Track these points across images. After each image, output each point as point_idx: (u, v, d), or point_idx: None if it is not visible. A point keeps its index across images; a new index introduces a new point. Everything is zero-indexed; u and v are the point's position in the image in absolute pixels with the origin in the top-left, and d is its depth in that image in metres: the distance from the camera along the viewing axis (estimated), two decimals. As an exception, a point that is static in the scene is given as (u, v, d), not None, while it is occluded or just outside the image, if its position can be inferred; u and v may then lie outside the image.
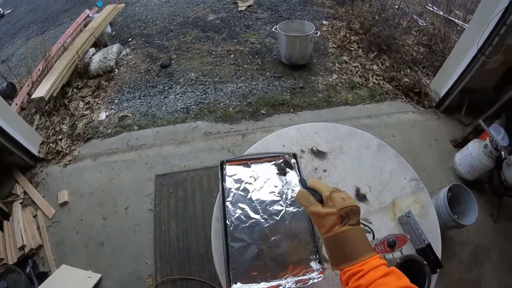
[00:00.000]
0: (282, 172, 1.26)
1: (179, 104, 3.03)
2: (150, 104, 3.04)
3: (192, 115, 2.94)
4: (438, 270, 1.21)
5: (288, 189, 1.22)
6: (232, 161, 1.27)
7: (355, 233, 0.76)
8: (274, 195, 1.20)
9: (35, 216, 2.28)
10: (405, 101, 3.31)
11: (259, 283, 1.01)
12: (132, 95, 3.13)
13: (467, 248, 2.52)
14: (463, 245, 2.53)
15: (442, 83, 3.23)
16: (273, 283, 1.01)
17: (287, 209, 1.17)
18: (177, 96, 3.12)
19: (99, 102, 3.14)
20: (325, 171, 1.38)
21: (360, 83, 3.42)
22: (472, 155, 2.67)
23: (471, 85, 3.02)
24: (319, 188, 0.84)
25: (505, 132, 2.67)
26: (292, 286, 1.00)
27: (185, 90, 3.18)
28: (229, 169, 1.25)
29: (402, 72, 3.59)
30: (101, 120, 2.93)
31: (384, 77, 3.50)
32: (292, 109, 3.05)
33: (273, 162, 1.29)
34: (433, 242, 1.28)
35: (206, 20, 4.20)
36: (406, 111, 3.20)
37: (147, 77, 3.33)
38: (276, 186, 1.22)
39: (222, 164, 1.25)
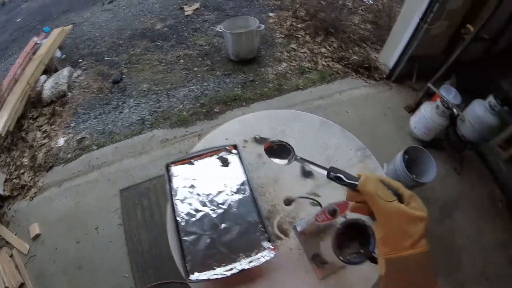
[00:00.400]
0: (224, 163, 1.30)
1: (134, 117, 3.02)
2: (106, 122, 3.02)
3: (148, 125, 2.94)
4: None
5: (231, 178, 1.26)
6: (176, 162, 1.30)
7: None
8: (219, 186, 1.24)
9: (11, 256, 2.23)
10: (355, 78, 3.40)
11: (214, 269, 1.05)
12: (87, 116, 3.10)
13: (434, 204, 2.63)
14: (430, 202, 2.63)
15: (389, 55, 3.33)
16: (228, 267, 1.05)
17: (232, 197, 1.22)
18: (131, 109, 3.10)
19: (55, 128, 3.07)
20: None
21: (310, 67, 3.48)
22: (425, 117, 2.78)
23: (418, 52, 3.13)
24: (388, 181, 0.65)
25: (456, 91, 2.77)
26: (246, 267, 1.04)
27: (138, 102, 3.16)
28: (175, 170, 1.28)
29: (350, 50, 3.68)
30: (60, 146, 2.88)
31: (333, 58, 3.59)
32: (244, 103, 3.09)
33: (216, 156, 1.33)
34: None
35: (154, 30, 4.16)
36: (358, 87, 3.30)
37: (101, 96, 3.29)
38: (220, 178, 1.26)
39: (167, 167, 1.28)
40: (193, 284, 1.06)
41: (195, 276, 1.03)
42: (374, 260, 0.78)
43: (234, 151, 1.34)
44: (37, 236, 2.30)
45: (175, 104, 3.12)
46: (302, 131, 1.53)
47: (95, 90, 3.37)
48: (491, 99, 2.56)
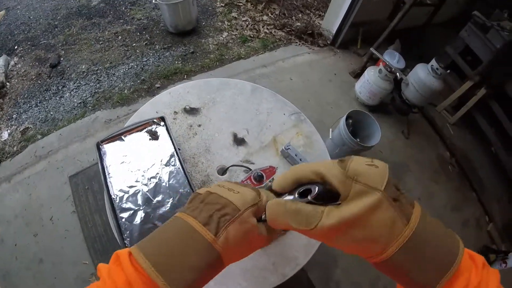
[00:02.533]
0: (153, 137, 1.30)
1: (75, 100, 2.92)
2: (48, 109, 2.90)
3: (90, 107, 2.86)
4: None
5: (161, 151, 1.28)
6: (106, 140, 1.29)
7: (428, 216, 0.42)
8: (150, 160, 1.25)
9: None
10: (299, 44, 3.44)
11: None
12: (28, 105, 2.96)
13: (384, 167, 2.73)
14: (380, 165, 2.72)
15: (332, 21, 3.38)
16: None
17: (163, 169, 1.23)
18: (72, 92, 2.99)
19: (-2, 122, 2.94)
20: (199, 125, 1.43)
21: (252, 35, 3.48)
22: (369, 82, 2.86)
23: (362, 18, 3.20)
24: (309, 171, 0.45)
25: (400, 56, 2.85)
26: None
27: (78, 85, 3.05)
28: (106, 148, 1.27)
29: (293, 17, 3.71)
30: (5, 140, 2.75)
31: (275, 25, 3.59)
32: (185, 75, 3.06)
33: (145, 130, 1.33)
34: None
35: (90, 7, 3.94)
36: (302, 53, 3.34)
37: (39, 82, 3.14)
38: (150, 151, 1.27)
39: (98, 145, 1.27)
40: None
41: None
42: None
43: (162, 123, 1.34)
44: (-4, 237, 2.23)
45: (115, 83, 3.04)
46: (233, 98, 1.56)
47: (33, 77, 3.20)
48: (433, 62, 2.66)
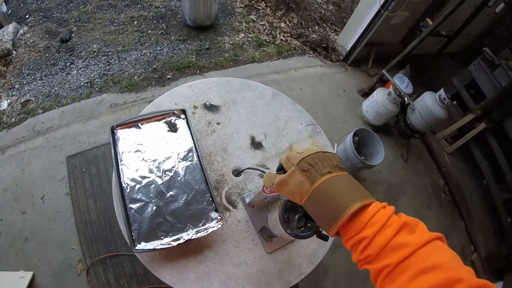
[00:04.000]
0: (172, 129, 1.28)
1: (82, 79, 2.86)
2: (53, 84, 2.83)
3: (97, 88, 2.80)
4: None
5: (179, 144, 1.25)
6: (122, 125, 1.26)
7: (336, 182, 0.61)
8: (166, 152, 1.22)
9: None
10: (312, 56, 3.47)
11: (161, 239, 1.05)
12: (32, 76, 2.89)
13: (381, 187, 2.76)
14: (377, 184, 2.75)
15: (348, 38, 3.42)
16: (174, 237, 1.05)
17: (179, 163, 1.20)
18: (79, 71, 2.93)
19: (-1, 90, 2.86)
20: (218, 123, 1.42)
21: (268, 40, 3.49)
22: (377, 102, 2.90)
23: (377, 39, 3.24)
24: (279, 160, 0.74)
25: (409, 81, 2.90)
26: (193, 237, 1.05)
27: (87, 64, 2.99)
28: (121, 133, 1.24)
29: (310, 29, 3.74)
30: (3, 110, 2.67)
31: (291, 34, 3.62)
32: (198, 71, 3.04)
33: (163, 120, 1.30)
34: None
35: (108, -14, 3.90)
36: (314, 65, 3.37)
37: (47, 55, 3.07)
38: (167, 143, 1.25)
39: (112, 129, 1.23)
40: (140, 254, 1.05)
41: (141, 246, 1.02)
42: (321, 236, 0.80)
43: (182, 116, 1.32)
44: (-19, 208, 2.15)
45: (126, 67, 2.99)
46: (253, 101, 1.55)
47: (41, 49, 3.14)
48: (441, 92, 2.75)
